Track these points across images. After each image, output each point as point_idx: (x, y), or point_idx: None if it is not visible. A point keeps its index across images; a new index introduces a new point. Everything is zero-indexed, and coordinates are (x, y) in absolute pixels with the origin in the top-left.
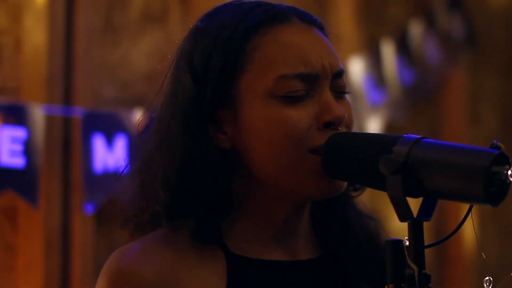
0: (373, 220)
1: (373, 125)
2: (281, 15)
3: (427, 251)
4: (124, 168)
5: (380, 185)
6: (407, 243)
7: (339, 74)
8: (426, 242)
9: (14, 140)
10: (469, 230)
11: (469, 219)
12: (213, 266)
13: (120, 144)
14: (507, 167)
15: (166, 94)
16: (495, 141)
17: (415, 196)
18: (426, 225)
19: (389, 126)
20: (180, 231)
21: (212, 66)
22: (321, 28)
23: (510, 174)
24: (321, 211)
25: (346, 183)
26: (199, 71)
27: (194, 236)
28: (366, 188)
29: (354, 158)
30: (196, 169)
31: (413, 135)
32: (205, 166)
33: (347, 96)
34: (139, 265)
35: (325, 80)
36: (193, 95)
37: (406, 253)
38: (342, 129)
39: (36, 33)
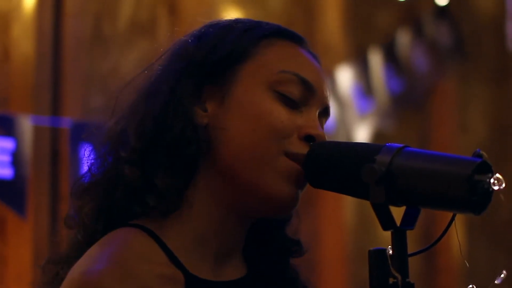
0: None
1: (361, 134)
2: (297, 37)
3: (416, 260)
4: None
5: (363, 194)
6: (391, 252)
7: (326, 111)
8: (412, 251)
9: (2, 151)
10: (457, 239)
11: (455, 227)
12: None
13: None
14: (490, 175)
15: (167, 56)
16: (477, 150)
17: (398, 205)
18: (413, 234)
19: (377, 134)
20: (141, 244)
21: (223, 46)
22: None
23: (493, 183)
24: (256, 230)
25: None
26: (208, 45)
27: (158, 201)
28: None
29: (337, 167)
30: (171, 125)
31: (396, 144)
32: (182, 125)
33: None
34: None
35: (316, 103)
36: (193, 63)
37: (389, 262)
38: None
39: (24, 43)
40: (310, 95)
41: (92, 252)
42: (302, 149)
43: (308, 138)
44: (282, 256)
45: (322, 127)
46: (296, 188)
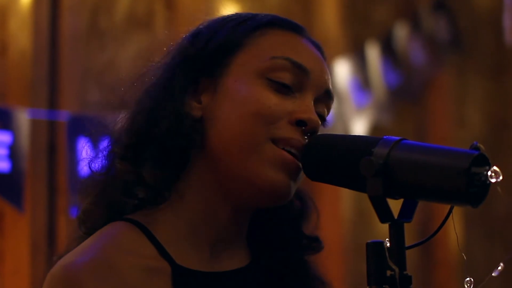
0: (311, 238)
1: (359, 127)
2: (295, 25)
3: (413, 253)
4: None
5: (361, 187)
6: (388, 244)
7: (327, 95)
8: (410, 244)
9: None
10: (454, 232)
11: (453, 220)
12: (159, 284)
13: None
14: (487, 168)
15: (165, 55)
16: (475, 142)
17: (395, 197)
18: (411, 228)
19: (375, 128)
20: (128, 238)
21: (216, 38)
22: (323, 56)
23: (490, 175)
24: (258, 221)
25: (292, 193)
26: (202, 39)
27: (146, 192)
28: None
29: (334, 159)
30: (160, 120)
31: (393, 137)
32: (170, 119)
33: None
34: (89, 282)
35: (312, 87)
36: (188, 57)
37: (387, 254)
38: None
39: (21, 37)
40: (304, 79)
41: (79, 246)
42: (291, 133)
43: (300, 123)
44: (290, 247)
45: (325, 112)
46: (285, 175)
